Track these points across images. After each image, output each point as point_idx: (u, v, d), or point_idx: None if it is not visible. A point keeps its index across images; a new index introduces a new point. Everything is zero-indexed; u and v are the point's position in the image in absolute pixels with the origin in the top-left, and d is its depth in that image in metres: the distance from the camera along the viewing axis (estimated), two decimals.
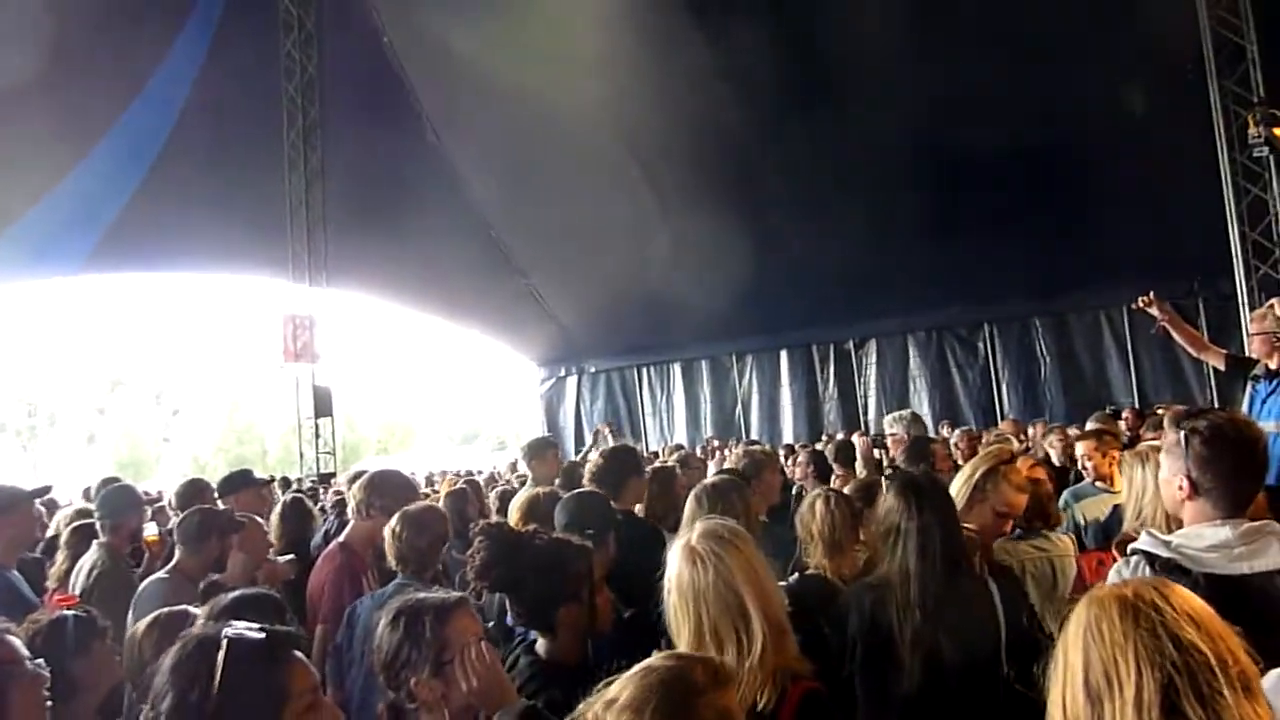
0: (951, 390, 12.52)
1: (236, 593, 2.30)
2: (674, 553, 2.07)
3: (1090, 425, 5.68)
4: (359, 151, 12.67)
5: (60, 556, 4.20)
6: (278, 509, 4.83)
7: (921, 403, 12.48)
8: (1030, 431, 7.37)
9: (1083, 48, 8.40)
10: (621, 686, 1.42)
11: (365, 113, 12.46)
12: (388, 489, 3.45)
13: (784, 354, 14.36)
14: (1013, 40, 8.23)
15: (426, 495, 4.75)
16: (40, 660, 1.73)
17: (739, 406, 14.82)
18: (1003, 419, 10.06)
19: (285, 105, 12.46)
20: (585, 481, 3.71)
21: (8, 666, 1.64)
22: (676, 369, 15.75)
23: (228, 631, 1.48)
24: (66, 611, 2.25)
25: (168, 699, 1.42)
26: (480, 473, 11.19)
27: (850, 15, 8.51)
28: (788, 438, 13.27)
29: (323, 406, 13.34)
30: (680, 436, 14.70)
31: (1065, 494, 4.24)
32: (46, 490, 4.25)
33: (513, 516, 3.49)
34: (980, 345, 12.29)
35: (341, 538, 3.48)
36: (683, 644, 1.97)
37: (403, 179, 12.33)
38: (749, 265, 11.49)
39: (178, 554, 3.48)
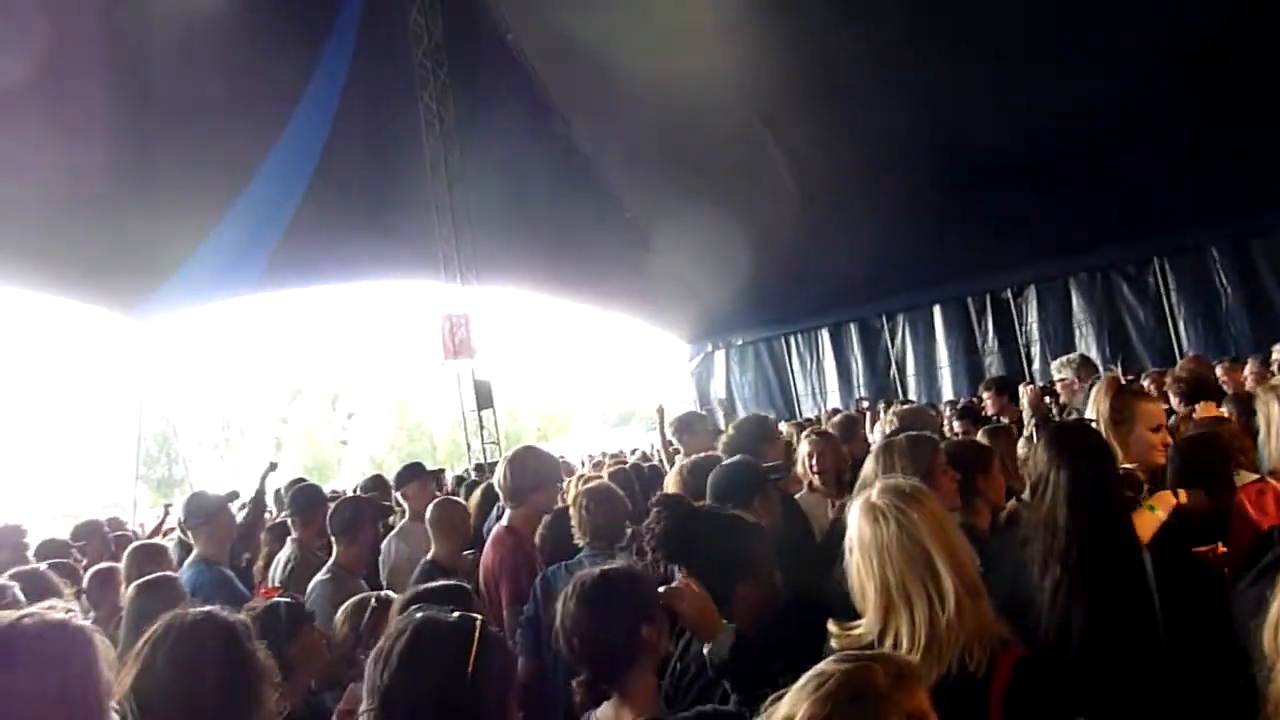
0: (1123, 331, 11.71)
1: (434, 584, 2.44)
2: (853, 511, 2.02)
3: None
4: (496, 150, 13.06)
5: (262, 553, 4.63)
6: (479, 496, 5.10)
7: (1090, 348, 11.75)
8: (1218, 370, 6.82)
9: None
10: (796, 702, 1.33)
11: (497, 111, 12.81)
12: (529, 469, 3.58)
13: (937, 309, 13.83)
14: None
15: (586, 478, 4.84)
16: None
17: (893, 367, 14.43)
18: (1181, 358, 9.33)
19: (422, 113, 12.94)
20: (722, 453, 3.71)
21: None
22: (825, 334, 15.47)
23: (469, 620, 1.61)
24: (279, 599, 2.47)
25: (423, 682, 1.53)
26: (633, 452, 11.36)
27: None
28: (947, 395, 12.83)
29: (484, 399, 13.88)
30: (834, 403, 14.45)
31: None
32: (237, 495, 4.75)
33: (670, 482, 3.55)
34: (1150, 281, 11.42)
35: (505, 521, 3.64)
36: (868, 605, 1.93)
37: (539, 171, 12.63)
38: (891, 222, 11.19)
39: (335, 549, 3.76)
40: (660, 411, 8.05)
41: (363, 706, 1.58)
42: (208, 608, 1.87)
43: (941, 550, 1.89)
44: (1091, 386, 3.06)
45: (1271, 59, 8.01)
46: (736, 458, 3.25)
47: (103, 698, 1.26)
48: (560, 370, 61.52)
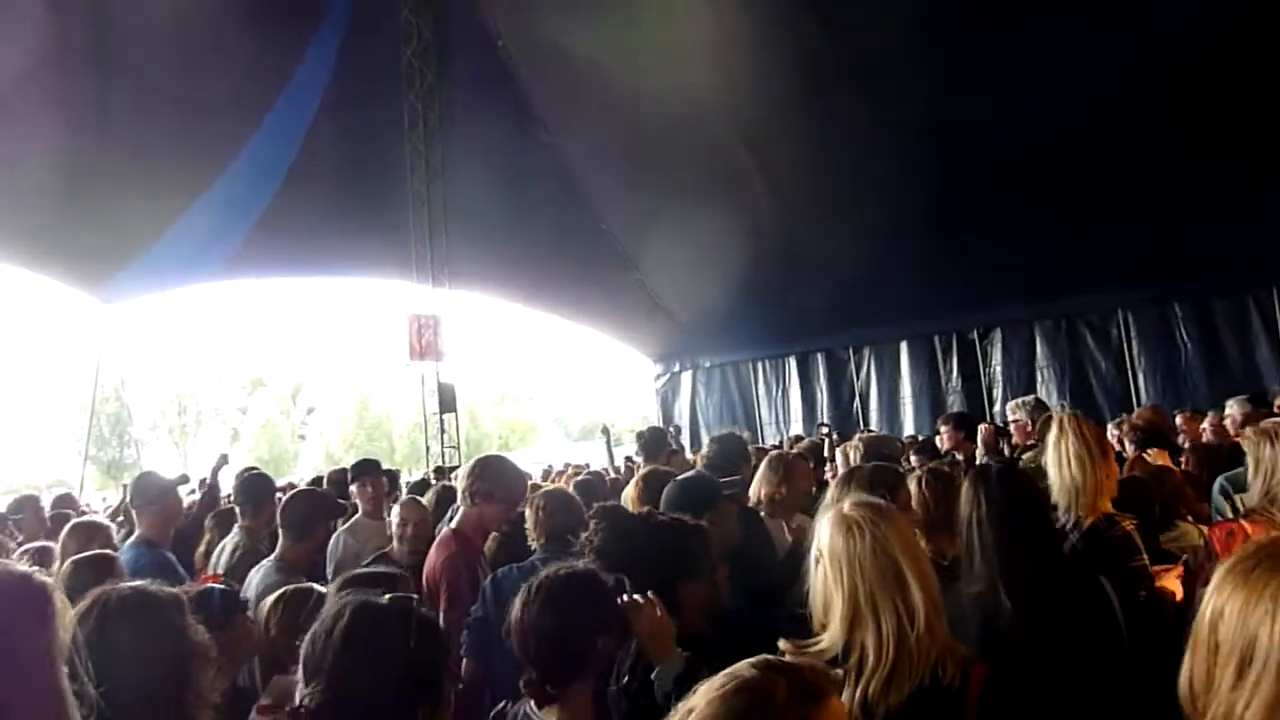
0: (1084, 379, 11.92)
1: (364, 570, 2.42)
2: (824, 522, 2.02)
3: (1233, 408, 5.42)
4: (478, 154, 13.03)
5: (204, 539, 4.57)
6: (428, 498, 5.10)
7: (1051, 393, 11.95)
8: (1177, 420, 6.98)
9: None
10: (702, 696, 1.33)
11: (483, 115, 12.78)
12: (493, 475, 3.55)
13: (904, 345, 13.99)
14: None
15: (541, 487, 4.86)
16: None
17: (857, 399, 14.54)
18: (1139, 407, 9.51)
19: (406, 112, 12.88)
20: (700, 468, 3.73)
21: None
22: (792, 362, 15.56)
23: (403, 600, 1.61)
24: (214, 585, 2.42)
25: (367, 662, 1.51)
26: (585, 466, 11.34)
27: None
28: (909, 429, 12.94)
29: (447, 403, 13.79)
30: (797, 430, 14.53)
31: (1220, 480, 3.90)
32: (186, 479, 4.71)
33: (628, 496, 3.56)
34: (1113, 331, 11.65)
35: (453, 524, 3.60)
36: (833, 617, 1.94)
37: (518, 179, 12.62)
38: (864, 256, 11.31)
39: (282, 541, 3.71)
40: (605, 431, 8.05)
41: (303, 690, 1.56)
42: (138, 582, 1.82)
43: (911, 566, 1.90)
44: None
45: (1243, 122, 8.22)
46: (693, 472, 3.26)
47: (56, 655, 1.22)
48: (525, 380, 61.37)
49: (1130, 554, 2.76)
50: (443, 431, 13.89)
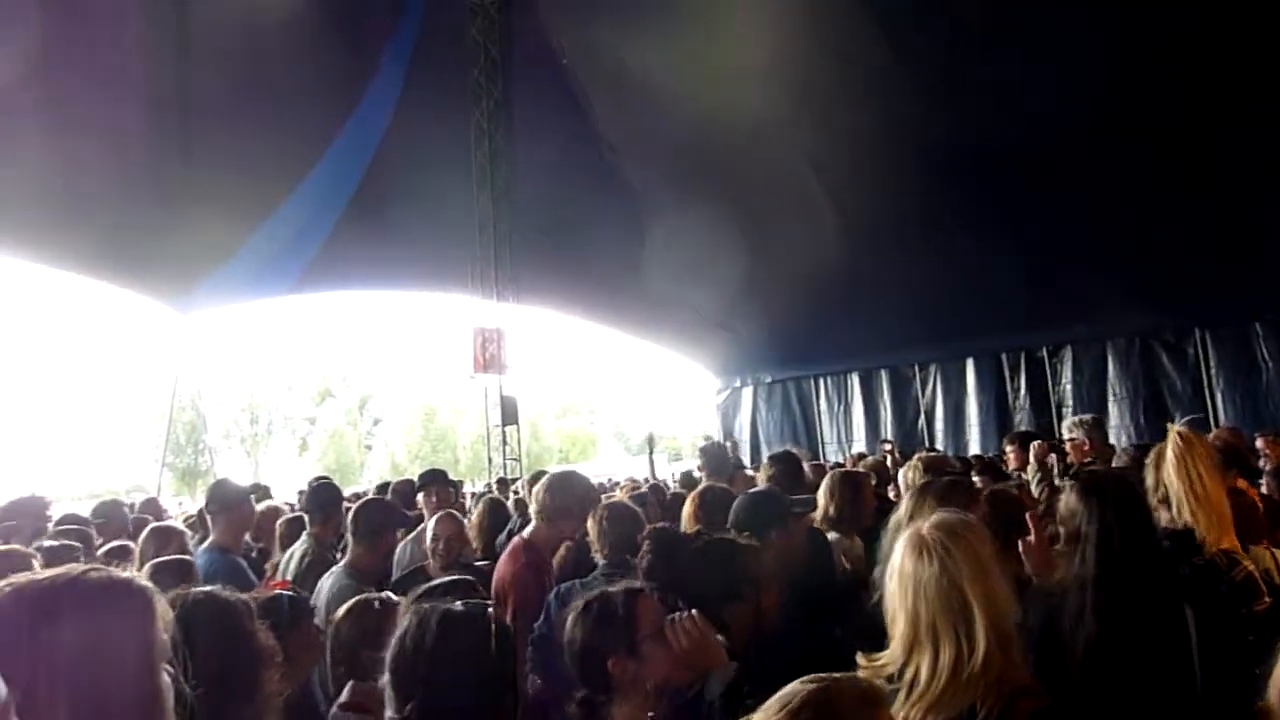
0: (1159, 400, 11.52)
1: (443, 580, 2.47)
2: (902, 539, 1.99)
3: None
4: (542, 171, 13.19)
5: (275, 548, 4.69)
6: (478, 510, 5.21)
7: (1124, 413, 11.62)
8: (1257, 443, 6.70)
9: None
10: (764, 716, 1.36)
11: (547, 133, 12.95)
12: (564, 489, 3.59)
13: (970, 363, 13.73)
14: None
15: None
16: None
17: (921, 417, 14.31)
18: (1216, 428, 9.17)
19: (473, 130, 13.11)
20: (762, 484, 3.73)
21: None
22: (855, 379, 15.39)
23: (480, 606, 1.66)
24: (282, 591, 2.50)
25: (457, 667, 1.57)
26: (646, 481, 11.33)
27: None
28: (975, 449, 12.68)
29: (509, 415, 13.96)
30: (860, 447, 14.34)
31: None
32: (259, 488, 4.86)
33: (685, 512, 3.56)
34: (1190, 351, 11.24)
35: (526, 534, 3.65)
36: (896, 635, 1.92)
37: (582, 196, 12.74)
38: (930, 272, 11.16)
39: (350, 550, 3.79)
40: (650, 442, 7.99)
41: (392, 699, 1.61)
42: (210, 587, 1.90)
43: (979, 596, 1.85)
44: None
45: None
46: (762, 487, 3.25)
47: (156, 658, 1.29)
48: (587, 393, 61.67)
49: (1251, 597, 2.55)
50: (505, 443, 14.05)
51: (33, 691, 0.87)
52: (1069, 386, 12.52)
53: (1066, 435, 5.85)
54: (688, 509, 3.55)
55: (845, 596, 3.05)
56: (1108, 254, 9.93)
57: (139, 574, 1.30)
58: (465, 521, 4.63)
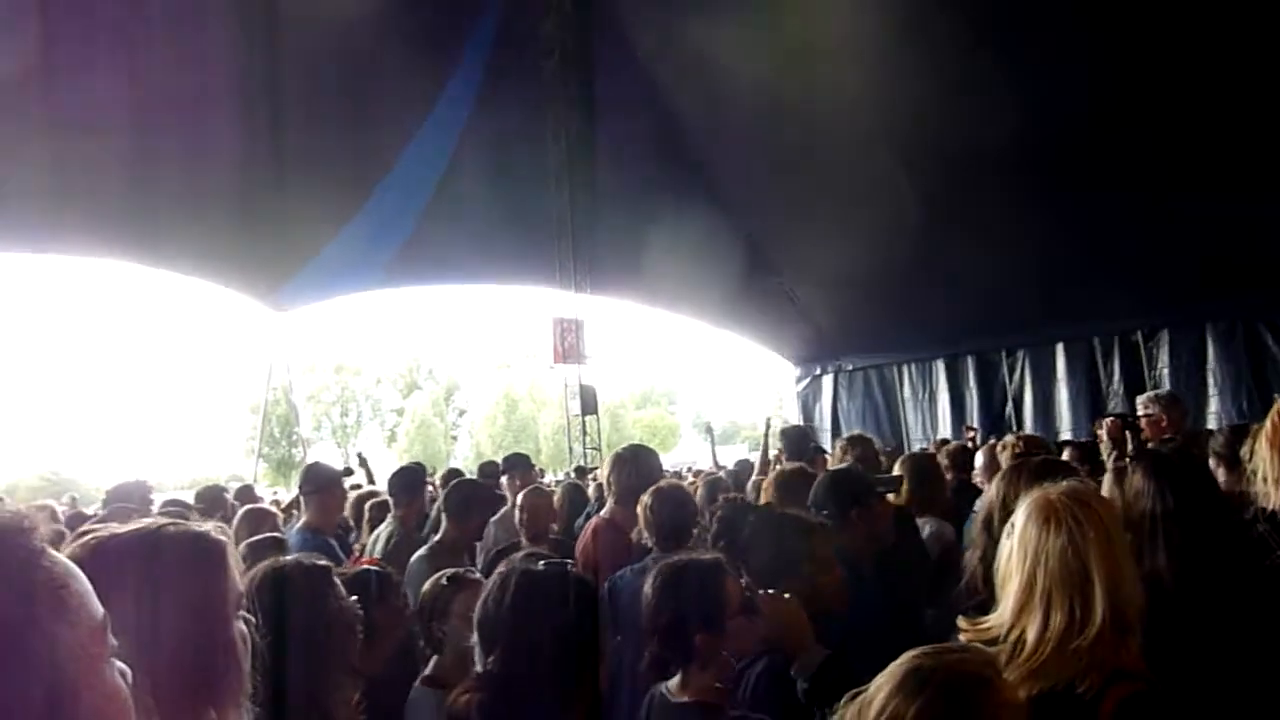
0: (1264, 384, 10.93)
1: (528, 550, 2.54)
2: (1027, 502, 1.92)
3: None
4: (619, 162, 13.24)
5: (364, 529, 4.87)
6: (557, 494, 5.32)
7: (1226, 399, 11.10)
8: None
9: None
10: (888, 698, 1.32)
11: (623, 124, 12.98)
12: (634, 468, 3.62)
13: (1060, 348, 13.30)
14: None
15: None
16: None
17: (1009, 403, 13.93)
18: None
19: (550, 123, 13.22)
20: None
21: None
22: (939, 365, 15.06)
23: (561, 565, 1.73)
24: (370, 567, 2.59)
25: (540, 621, 1.63)
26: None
27: None
28: (1066, 435, 12.29)
29: (588, 405, 14.09)
30: (945, 434, 14.05)
31: None
32: (350, 472, 5.04)
33: (765, 491, 3.56)
34: None
35: (606, 513, 3.71)
36: (1007, 597, 1.86)
37: (659, 186, 12.74)
38: (1016, 255, 10.84)
39: (443, 526, 3.90)
40: (709, 430, 7.95)
41: (479, 656, 1.67)
42: (298, 555, 1.98)
43: (1102, 572, 1.77)
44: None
45: None
46: (845, 464, 3.22)
47: (231, 606, 1.35)
48: (667, 383, 61.85)
49: None
50: (584, 433, 14.19)
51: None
52: (1166, 371, 12.02)
53: (1141, 411, 5.54)
54: (766, 489, 3.54)
55: (937, 578, 2.99)
56: (1206, 228, 9.47)
57: (214, 528, 1.36)
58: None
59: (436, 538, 3.88)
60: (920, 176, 11.08)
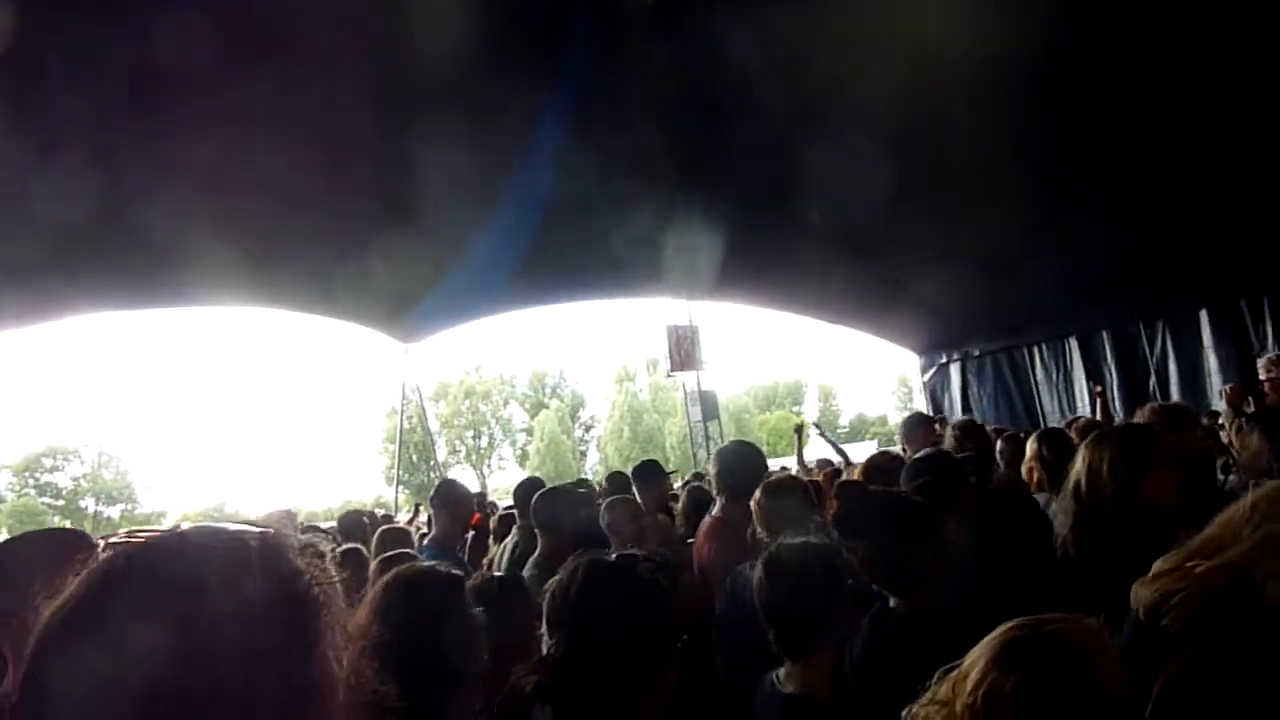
0: None
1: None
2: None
3: None
4: (721, 168, 13.22)
5: (491, 540, 5.10)
6: (682, 498, 5.43)
7: None
8: None
9: None
10: (985, 671, 1.30)
11: (722, 130, 12.96)
12: (737, 463, 3.66)
13: (1204, 315, 12.52)
14: None
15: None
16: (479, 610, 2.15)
17: (1152, 377, 13.19)
18: None
19: (652, 133, 13.29)
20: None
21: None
22: (1073, 343, 14.40)
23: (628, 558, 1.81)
24: (495, 575, 2.73)
25: (594, 615, 1.73)
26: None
27: None
28: (1218, 405, 11.57)
29: (709, 410, 14.14)
30: (1084, 414, 13.42)
31: None
32: (482, 495, 5.26)
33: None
34: None
35: (716, 511, 3.76)
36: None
37: (763, 187, 12.66)
38: (1147, 219, 10.30)
39: (541, 540, 4.04)
40: (798, 429, 7.84)
41: (548, 641, 1.76)
42: (430, 562, 2.11)
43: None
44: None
45: None
46: (930, 450, 3.20)
47: (325, 639, 1.39)
48: (790, 383, 61.20)
49: None
50: (707, 438, 14.23)
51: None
52: None
53: (1263, 374, 5.17)
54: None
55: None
56: None
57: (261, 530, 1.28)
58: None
59: (538, 552, 3.98)
60: (1033, 151, 10.67)
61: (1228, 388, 5.76)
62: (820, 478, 5.92)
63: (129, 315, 13.26)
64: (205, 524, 1.00)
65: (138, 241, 8.98)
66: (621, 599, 1.71)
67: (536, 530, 4.01)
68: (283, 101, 8.11)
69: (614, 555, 1.84)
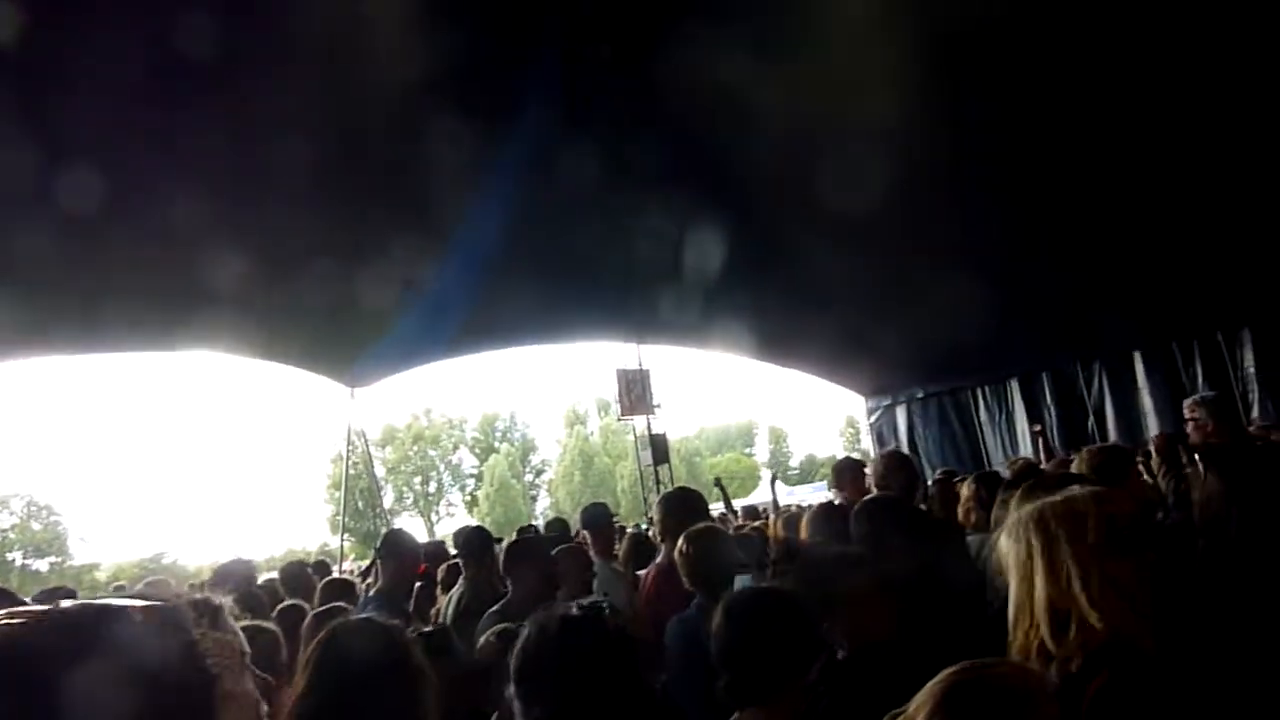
0: None
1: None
2: (1004, 532, 1.97)
3: None
4: (670, 214, 13.35)
5: (439, 590, 5.04)
6: (624, 545, 5.42)
7: None
8: None
9: None
10: (929, 716, 1.32)
11: (671, 178, 13.12)
12: (680, 507, 3.67)
13: (1137, 356, 12.94)
14: None
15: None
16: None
17: (1090, 418, 13.54)
18: None
19: (599, 180, 13.40)
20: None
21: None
22: (1014, 385, 14.75)
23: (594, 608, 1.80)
24: (426, 628, 2.70)
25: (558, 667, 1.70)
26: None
27: None
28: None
29: (660, 454, 14.12)
30: (1025, 455, 13.69)
31: None
32: (440, 543, 5.19)
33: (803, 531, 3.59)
34: None
35: (661, 559, 3.75)
36: (1018, 629, 1.88)
37: (713, 234, 12.80)
38: (1083, 266, 10.64)
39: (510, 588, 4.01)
40: (720, 485, 7.98)
41: (520, 708, 1.73)
42: (368, 614, 2.08)
43: (1078, 570, 1.79)
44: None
45: None
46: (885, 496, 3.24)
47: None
48: (741, 427, 61.46)
49: None
50: (658, 482, 14.20)
51: None
52: (1252, 371, 11.58)
53: (1187, 414, 5.25)
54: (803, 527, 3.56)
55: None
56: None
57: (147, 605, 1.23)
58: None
59: (506, 597, 3.95)
60: (972, 195, 10.97)
61: (1154, 436, 5.89)
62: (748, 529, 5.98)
63: (61, 360, 12.94)
64: (89, 602, 0.97)
65: (70, 283, 8.80)
66: (596, 650, 1.70)
67: (509, 580, 3.95)
68: (225, 138, 8.02)
69: (575, 607, 1.82)
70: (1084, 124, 9.14)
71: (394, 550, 4.45)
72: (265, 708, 1.33)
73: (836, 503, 4.12)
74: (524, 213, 12.49)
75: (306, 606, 4.28)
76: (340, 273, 10.34)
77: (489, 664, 2.61)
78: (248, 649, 1.35)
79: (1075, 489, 1.98)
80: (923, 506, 5.00)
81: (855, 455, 15.61)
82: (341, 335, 12.28)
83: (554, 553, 4.25)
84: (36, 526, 53.28)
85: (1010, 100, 9.21)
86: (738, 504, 15.64)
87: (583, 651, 1.72)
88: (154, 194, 8.02)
